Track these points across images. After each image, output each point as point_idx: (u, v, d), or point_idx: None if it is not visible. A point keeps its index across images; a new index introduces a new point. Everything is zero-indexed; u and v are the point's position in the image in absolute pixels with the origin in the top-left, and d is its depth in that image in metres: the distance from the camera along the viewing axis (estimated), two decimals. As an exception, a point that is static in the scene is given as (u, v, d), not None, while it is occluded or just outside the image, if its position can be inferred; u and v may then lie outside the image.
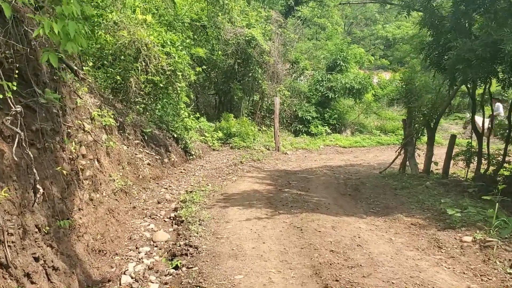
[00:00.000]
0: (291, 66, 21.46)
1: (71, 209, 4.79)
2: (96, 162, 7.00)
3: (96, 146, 7.48)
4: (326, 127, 20.28)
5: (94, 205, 5.88)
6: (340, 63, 20.90)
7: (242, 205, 7.62)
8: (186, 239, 5.76)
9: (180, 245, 5.63)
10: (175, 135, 12.96)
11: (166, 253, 5.68)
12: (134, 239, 6.41)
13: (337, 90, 20.16)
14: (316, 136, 19.74)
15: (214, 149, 15.45)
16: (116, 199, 7.69)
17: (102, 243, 5.50)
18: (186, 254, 5.26)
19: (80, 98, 7.31)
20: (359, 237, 5.76)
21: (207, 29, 16.52)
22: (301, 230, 5.98)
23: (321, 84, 20.53)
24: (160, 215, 7.80)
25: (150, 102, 12.33)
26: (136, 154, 10.39)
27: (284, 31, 20.49)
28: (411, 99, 11.89)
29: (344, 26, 31.36)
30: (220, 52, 16.83)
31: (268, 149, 16.43)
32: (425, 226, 6.33)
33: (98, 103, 9.01)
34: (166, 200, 8.81)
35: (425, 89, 12.05)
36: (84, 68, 7.98)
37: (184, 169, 12.06)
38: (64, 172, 4.60)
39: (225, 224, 6.43)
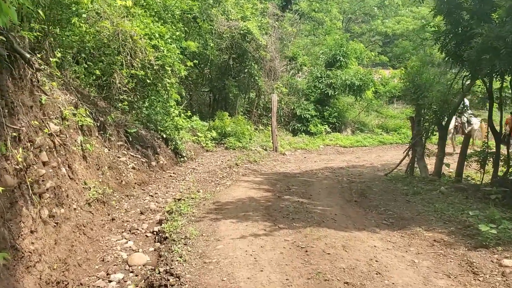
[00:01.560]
0: (289, 62, 20.46)
1: (18, 234, 3.78)
2: (64, 169, 5.99)
3: (66, 150, 6.47)
4: (326, 125, 19.29)
5: (55, 223, 4.86)
6: (340, 58, 19.91)
7: (236, 217, 6.61)
8: (167, 265, 4.75)
9: (159, 273, 4.61)
10: (165, 136, 11.94)
11: (143, 281, 4.67)
12: (107, 261, 5.39)
13: (337, 87, 19.18)
14: (315, 135, 18.76)
15: (207, 150, 14.44)
16: (91, 211, 6.68)
17: (63, 271, 4.48)
18: (166, 286, 4.25)
19: (46, 94, 6.29)
20: (376, 260, 4.76)
21: (199, 22, 15.48)
22: (306, 251, 4.97)
23: (320, 81, 19.54)
24: (142, 229, 6.78)
25: (136, 100, 11.32)
26: (119, 157, 9.40)
27: (282, 24, 19.47)
28: (420, 95, 10.91)
29: (342, 22, 30.31)
30: (213, 45, 15.78)
31: (265, 150, 15.43)
32: (451, 244, 5.34)
33: (73, 101, 8.00)
34: (151, 210, 7.80)
35: (435, 84, 11.08)
36: (51, 59, 6.93)
37: (174, 173, 11.04)
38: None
39: (215, 243, 5.42)
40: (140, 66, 10.78)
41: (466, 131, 14.47)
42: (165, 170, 11.17)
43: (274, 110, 15.56)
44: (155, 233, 6.55)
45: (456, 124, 15.11)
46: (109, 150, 9.19)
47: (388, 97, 23.34)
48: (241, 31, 15.90)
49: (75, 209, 5.99)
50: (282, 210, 7.02)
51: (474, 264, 4.65)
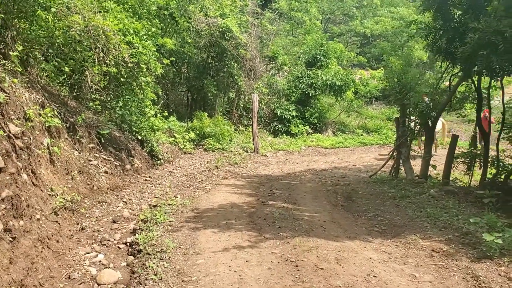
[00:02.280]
0: (269, 61, 20.00)
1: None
2: (25, 175, 5.36)
3: (29, 153, 5.85)
4: (307, 126, 18.90)
5: (12, 238, 4.25)
6: (320, 58, 19.56)
7: (218, 226, 6.08)
8: (141, 284, 4.19)
9: (132, 293, 4.06)
10: (140, 137, 11.31)
11: (113, 303, 4.11)
12: (74, 278, 4.80)
13: (317, 87, 18.82)
14: (296, 136, 18.34)
15: (185, 152, 13.84)
16: (57, 221, 6.06)
17: (20, 295, 3.89)
18: (139, 311, 3.70)
19: (5, 92, 5.66)
20: (374, 275, 4.31)
21: (176, 17, 14.87)
22: (297, 266, 4.48)
23: (301, 81, 19.15)
24: (114, 239, 6.20)
25: (109, 99, 10.67)
26: (90, 160, 8.77)
27: (262, 22, 18.98)
28: (405, 95, 10.58)
29: (321, 22, 30.02)
30: (191, 42, 15.18)
31: (246, 151, 14.92)
32: (452, 255, 4.93)
33: (40, 100, 7.37)
34: (124, 218, 7.20)
35: (420, 84, 10.78)
36: (11, 53, 6.28)
37: (149, 177, 10.43)
38: None
39: (195, 257, 4.88)
40: (113, 63, 10.18)
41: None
42: (140, 174, 10.56)
43: (255, 110, 15.07)
44: (128, 244, 5.98)
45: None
46: (79, 153, 8.57)
47: (368, 98, 23.10)
48: (220, 29, 15.35)
49: (38, 219, 5.38)
50: (267, 218, 6.52)
51: (481, 278, 4.24)
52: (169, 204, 7.68)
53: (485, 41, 5.89)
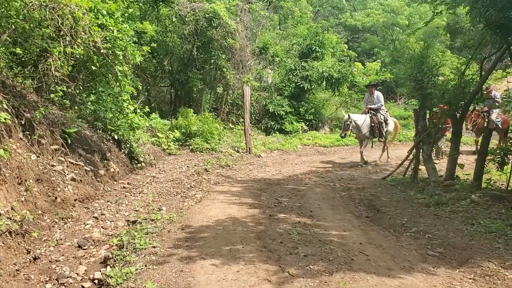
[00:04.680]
0: (259, 52, 18.37)
1: None
2: None
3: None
4: (302, 123, 17.31)
5: None
6: (315, 49, 17.99)
7: (220, 255, 4.43)
8: None
9: None
10: (117, 137, 9.56)
11: None
12: None
13: (313, 80, 17.24)
14: (291, 134, 16.74)
15: (170, 153, 12.10)
16: (-5, 252, 4.36)
17: None
18: None
19: None
20: None
21: (158, 3, 13.15)
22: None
23: (295, 74, 17.56)
24: (77, 275, 4.52)
25: (78, 92, 8.94)
26: (53, 165, 7.06)
27: (253, 7, 17.29)
28: (427, 82, 9.10)
29: (312, 13, 28.47)
30: (174, 29, 13.46)
31: (238, 152, 13.26)
32: None
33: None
34: (94, 241, 5.51)
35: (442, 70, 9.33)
36: None
37: (128, 183, 8.70)
38: None
39: (192, 313, 3.23)
40: (82, 49, 8.48)
41: (384, 134, 12.43)
42: (117, 180, 8.84)
43: (247, 105, 13.42)
44: (96, 282, 4.30)
45: (372, 124, 12.15)
46: (38, 156, 6.85)
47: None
48: (207, 15, 13.66)
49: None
50: (284, 240, 4.89)
51: None
52: (152, 220, 6.02)
53: None
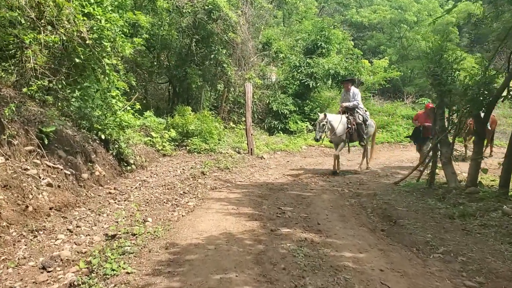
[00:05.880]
0: (263, 48, 17.47)
1: None
2: None
3: None
4: (307, 123, 16.39)
5: None
6: (321, 44, 17.07)
7: (208, 286, 3.54)
8: None
9: None
10: (104, 136, 8.70)
11: None
12: None
13: (318, 77, 16.33)
14: (295, 134, 15.85)
15: (164, 155, 11.23)
16: None
17: None
18: None
19: None
20: None
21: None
22: None
23: (299, 71, 16.65)
24: (32, 308, 3.66)
25: (61, 87, 8.09)
26: (26, 169, 6.25)
27: (256, -1, 16.38)
28: (448, 77, 8.21)
29: (317, 8, 27.57)
30: (172, 21, 12.59)
31: (239, 153, 12.39)
32: None
33: None
34: (62, 260, 4.65)
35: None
36: None
37: (115, 188, 7.84)
38: None
39: None
40: (64, 38, 7.67)
41: (364, 136, 10.76)
42: (103, 185, 7.98)
43: (248, 103, 12.53)
44: (53, 320, 3.45)
45: (349, 126, 10.53)
46: (7, 159, 6.04)
47: (376, 89, 20.71)
48: (206, 6, 12.78)
49: None
50: (287, 265, 4.00)
51: None
52: (134, 235, 5.16)
53: None
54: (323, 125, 10.13)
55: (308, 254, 4.27)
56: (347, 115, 10.58)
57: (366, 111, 11.19)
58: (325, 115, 10.22)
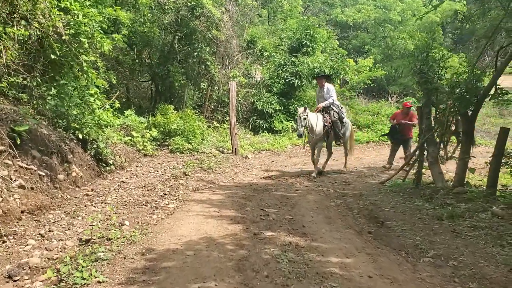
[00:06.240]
0: (247, 46, 17.20)
1: None
2: None
3: None
4: (292, 122, 16.19)
5: None
6: (306, 43, 16.88)
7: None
8: None
9: None
10: (81, 136, 8.36)
11: None
12: None
13: (304, 76, 16.14)
14: (280, 133, 15.64)
15: (145, 155, 10.91)
16: None
17: None
18: None
19: None
20: None
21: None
22: None
23: (284, 69, 16.43)
24: (-8, 323, 3.36)
25: (35, 84, 7.76)
26: (-6, 170, 5.88)
27: (239, -5, 16.11)
28: (435, 76, 8.09)
29: (302, 7, 27.38)
30: (153, 19, 12.25)
31: (223, 152, 12.12)
32: None
33: None
34: (30, 268, 4.34)
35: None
36: None
37: (92, 190, 7.52)
38: None
39: None
40: (38, 34, 7.38)
41: (341, 135, 10.26)
42: (80, 186, 7.64)
43: (233, 102, 12.27)
44: (14, 336, 3.16)
45: (325, 124, 9.93)
46: (-26, 160, 5.69)
47: (360, 88, 20.61)
48: (189, 3, 12.48)
49: None
50: (271, 272, 3.76)
51: None
52: (109, 239, 4.88)
53: None
54: (305, 119, 9.56)
55: (293, 260, 4.05)
56: (322, 113, 10.13)
57: (342, 107, 10.65)
58: (305, 108, 9.73)
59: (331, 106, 10.19)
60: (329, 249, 4.44)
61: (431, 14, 22.20)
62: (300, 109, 9.70)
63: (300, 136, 9.74)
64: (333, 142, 10.61)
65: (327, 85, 10.26)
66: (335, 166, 11.55)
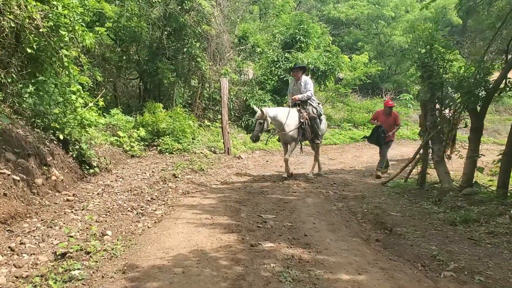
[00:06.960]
0: (239, 42, 16.64)
1: None
2: None
3: None
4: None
5: None
6: (300, 38, 16.35)
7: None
8: None
9: None
10: (62, 136, 7.73)
11: None
12: None
13: (297, 72, 15.61)
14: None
15: (133, 156, 10.30)
16: None
17: None
18: None
19: None
20: None
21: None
22: None
23: (277, 66, 15.90)
24: None
25: (11, 81, 7.14)
26: (-38, 175, 5.28)
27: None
28: (440, 70, 7.61)
29: (294, 2, 26.84)
30: (141, 13, 11.65)
31: (215, 152, 11.56)
32: None
33: None
34: (-7, 290, 3.77)
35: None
36: None
37: (74, 195, 6.92)
38: None
39: None
40: (14, 26, 6.80)
41: (318, 133, 9.49)
42: (60, 191, 7.03)
43: (224, 99, 11.72)
44: None
45: (302, 121, 9.11)
46: None
47: (355, 85, 20.11)
48: (178, -5, 11.91)
49: None
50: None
51: None
52: (88, 253, 4.30)
53: None
54: (261, 123, 8.80)
55: (297, 278, 3.50)
56: (298, 108, 9.23)
57: (319, 103, 9.76)
58: (263, 112, 8.78)
59: (308, 101, 9.33)
60: (338, 264, 3.91)
61: (424, 10, 21.77)
62: (258, 113, 8.89)
63: (253, 141, 9.23)
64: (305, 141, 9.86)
65: (305, 78, 9.40)
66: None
